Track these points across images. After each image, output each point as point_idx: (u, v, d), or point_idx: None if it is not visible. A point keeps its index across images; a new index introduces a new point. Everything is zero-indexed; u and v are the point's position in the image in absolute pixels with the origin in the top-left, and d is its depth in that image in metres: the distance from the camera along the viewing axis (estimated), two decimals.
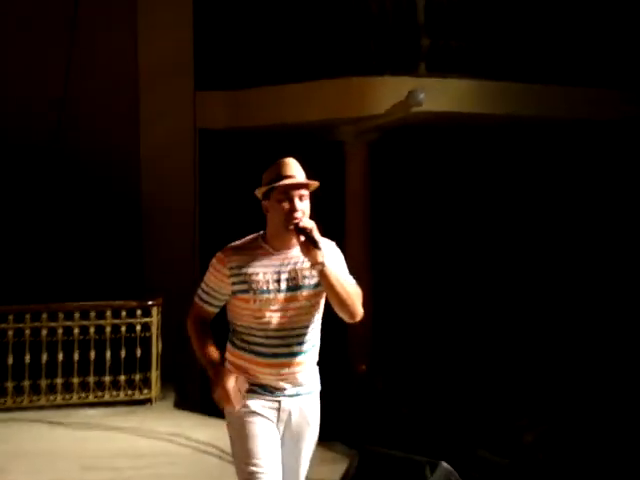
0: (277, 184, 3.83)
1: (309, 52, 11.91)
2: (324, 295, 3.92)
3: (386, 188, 13.32)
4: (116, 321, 9.72)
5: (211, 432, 8.32)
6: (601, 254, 14.31)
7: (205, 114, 12.27)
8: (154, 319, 9.85)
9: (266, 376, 3.87)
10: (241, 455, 3.87)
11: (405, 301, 13.25)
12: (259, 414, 3.87)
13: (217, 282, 3.91)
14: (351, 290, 3.84)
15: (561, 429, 10.33)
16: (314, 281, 3.89)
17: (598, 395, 12.07)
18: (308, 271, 3.86)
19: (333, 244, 4.00)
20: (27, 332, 9.47)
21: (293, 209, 3.80)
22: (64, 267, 11.08)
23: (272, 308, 3.83)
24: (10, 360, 9.39)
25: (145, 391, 9.85)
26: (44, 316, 9.53)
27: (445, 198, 14.57)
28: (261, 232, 3.94)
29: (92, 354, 9.62)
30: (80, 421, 9.04)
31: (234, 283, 3.85)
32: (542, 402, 10.69)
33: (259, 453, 3.82)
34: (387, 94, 11.37)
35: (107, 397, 9.74)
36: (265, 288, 3.81)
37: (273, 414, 3.89)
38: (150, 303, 9.91)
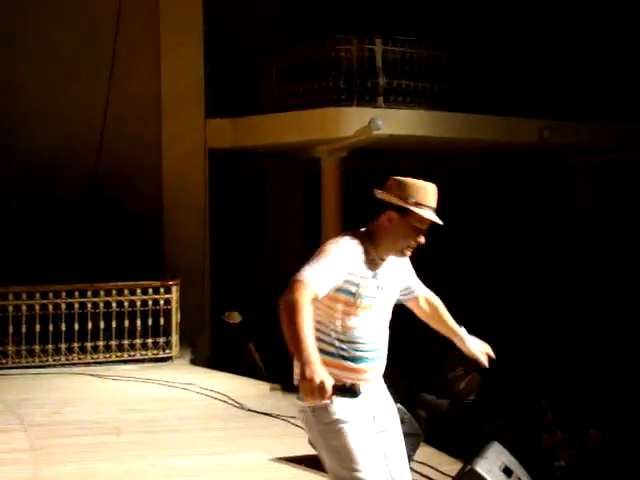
0: (424, 214, 3.02)
1: (295, 89, 11.86)
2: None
3: (356, 196, 13.33)
4: (144, 297, 9.72)
5: (218, 383, 8.39)
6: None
7: (214, 136, 12.19)
8: (174, 295, 9.86)
9: (359, 380, 3.02)
10: (347, 461, 2.97)
11: None
12: (360, 421, 3.03)
13: (336, 271, 2.96)
14: None
15: (485, 377, 10.39)
16: (397, 290, 3.22)
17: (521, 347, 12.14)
18: (394, 282, 3.18)
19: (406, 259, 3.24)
20: (76, 305, 9.48)
21: (419, 243, 3.10)
22: (106, 256, 11.07)
23: (370, 313, 3.06)
24: (63, 327, 9.41)
25: (167, 351, 9.86)
26: (89, 293, 9.54)
27: None
28: (364, 230, 3.12)
29: (126, 322, 9.63)
30: (116, 374, 9.05)
31: (345, 281, 2.98)
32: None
33: (367, 460, 2.98)
34: (354, 121, 11.39)
35: (138, 355, 9.74)
36: (368, 294, 3.02)
37: (368, 413, 3.09)
38: (171, 283, 9.93)
